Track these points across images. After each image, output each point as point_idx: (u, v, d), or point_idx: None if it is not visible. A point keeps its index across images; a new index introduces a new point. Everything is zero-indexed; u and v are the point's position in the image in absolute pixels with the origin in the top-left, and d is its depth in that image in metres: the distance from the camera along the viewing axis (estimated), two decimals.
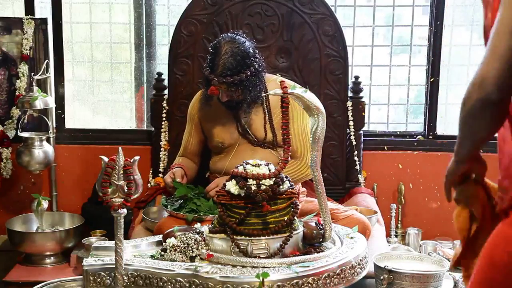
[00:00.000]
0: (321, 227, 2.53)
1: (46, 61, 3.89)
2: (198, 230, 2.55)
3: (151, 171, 3.88)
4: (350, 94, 3.83)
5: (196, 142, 3.46)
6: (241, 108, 3.19)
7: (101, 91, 4.25)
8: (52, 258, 3.62)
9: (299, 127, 3.23)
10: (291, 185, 2.48)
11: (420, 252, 3.55)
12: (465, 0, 4.10)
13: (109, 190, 2.29)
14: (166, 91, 3.87)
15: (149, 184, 3.81)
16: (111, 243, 2.52)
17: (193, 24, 3.73)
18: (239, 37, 3.15)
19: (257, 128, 3.27)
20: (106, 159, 2.30)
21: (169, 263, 2.38)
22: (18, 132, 3.86)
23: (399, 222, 3.97)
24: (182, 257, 2.42)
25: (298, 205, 2.49)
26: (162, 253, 2.49)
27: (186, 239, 2.44)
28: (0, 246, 3.96)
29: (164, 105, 3.81)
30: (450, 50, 4.12)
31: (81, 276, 2.52)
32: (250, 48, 3.13)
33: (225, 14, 3.73)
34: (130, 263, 2.39)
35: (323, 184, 2.50)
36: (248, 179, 2.40)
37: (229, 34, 3.18)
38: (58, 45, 4.05)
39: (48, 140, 3.87)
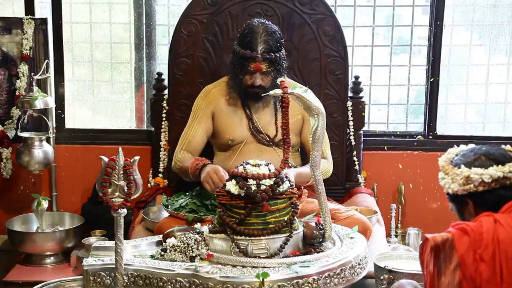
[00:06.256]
0: (321, 227, 2.54)
1: (46, 61, 3.88)
2: (198, 230, 2.55)
3: (151, 171, 3.88)
4: (350, 94, 3.83)
5: (202, 137, 3.34)
6: (262, 96, 3.12)
7: (101, 91, 4.25)
8: (52, 258, 3.62)
9: None
10: (291, 185, 2.49)
11: None
12: (465, 0, 4.10)
13: (109, 190, 2.29)
14: (166, 91, 3.87)
15: (149, 184, 3.81)
16: (111, 243, 2.52)
17: (193, 24, 3.73)
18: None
19: (269, 127, 3.28)
20: (106, 159, 2.30)
21: (169, 263, 2.39)
22: (18, 132, 3.86)
23: (399, 222, 3.96)
24: (182, 257, 2.42)
25: (298, 205, 2.49)
26: (162, 253, 2.49)
27: (186, 239, 2.44)
28: (0, 246, 3.95)
29: (164, 105, 3.81)
30: (450, 50, 4.12)
31: (81, 276, 2.53)
32: (279, 29, 3.27)
33: (225, 14, 3.72)
34: (130, 263, 2.39)
35: (323, 184, 2.51)
36: (248, 179, 2.40)
37: (255, 19, 3.27)
38: (58, 45, 4.05)
39: (48, 140, 3.86)
